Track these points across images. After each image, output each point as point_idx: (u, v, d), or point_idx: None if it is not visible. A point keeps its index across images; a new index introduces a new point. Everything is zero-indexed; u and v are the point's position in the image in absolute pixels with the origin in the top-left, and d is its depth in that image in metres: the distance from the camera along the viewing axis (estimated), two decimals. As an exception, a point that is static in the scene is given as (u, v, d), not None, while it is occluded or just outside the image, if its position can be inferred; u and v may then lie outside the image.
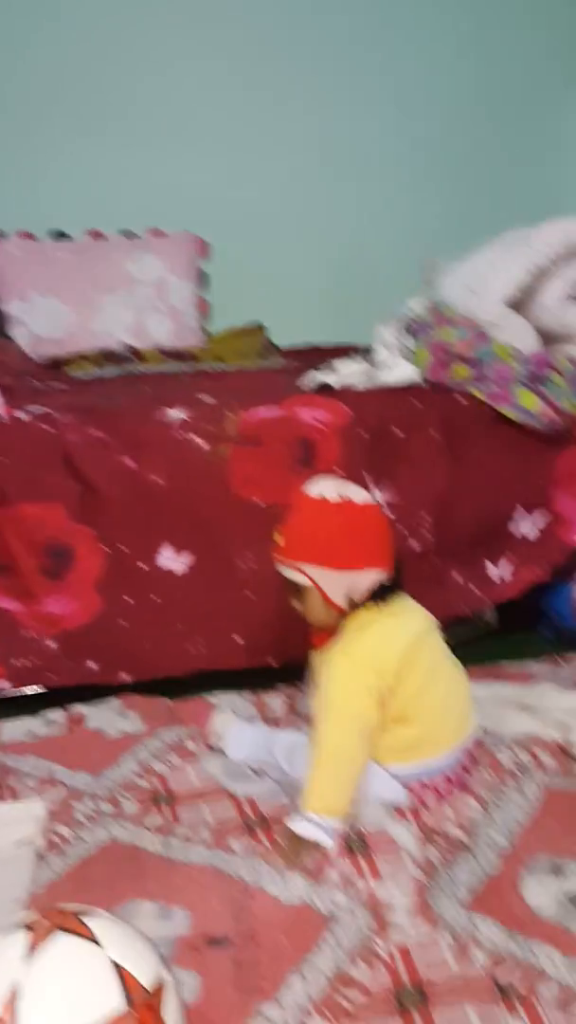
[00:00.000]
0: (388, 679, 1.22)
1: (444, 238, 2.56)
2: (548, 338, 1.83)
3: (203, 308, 2.78)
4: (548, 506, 1.83)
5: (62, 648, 1.64)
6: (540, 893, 1.09)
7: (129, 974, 0.74)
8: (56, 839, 1.24)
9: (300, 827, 1.17)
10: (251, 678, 1.72)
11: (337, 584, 1.24)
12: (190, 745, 1.49)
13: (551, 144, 3.05)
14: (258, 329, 2.78)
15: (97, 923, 0.78)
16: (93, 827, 1.26)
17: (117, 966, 0.74)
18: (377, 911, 1.07)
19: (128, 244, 2.67)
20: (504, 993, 0.94)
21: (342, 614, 1.27)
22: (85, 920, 0.78)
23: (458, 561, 1.81)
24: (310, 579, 1.24)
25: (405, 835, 1.20)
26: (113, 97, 2.71)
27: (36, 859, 1.18)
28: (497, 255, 1.85)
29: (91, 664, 1.66)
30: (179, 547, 1.67)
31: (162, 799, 1.33)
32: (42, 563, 1.62)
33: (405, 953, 0.99)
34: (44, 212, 2.68)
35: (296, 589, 1.28)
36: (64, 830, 1.25)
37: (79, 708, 1.64)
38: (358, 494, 1.28)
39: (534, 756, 1.40)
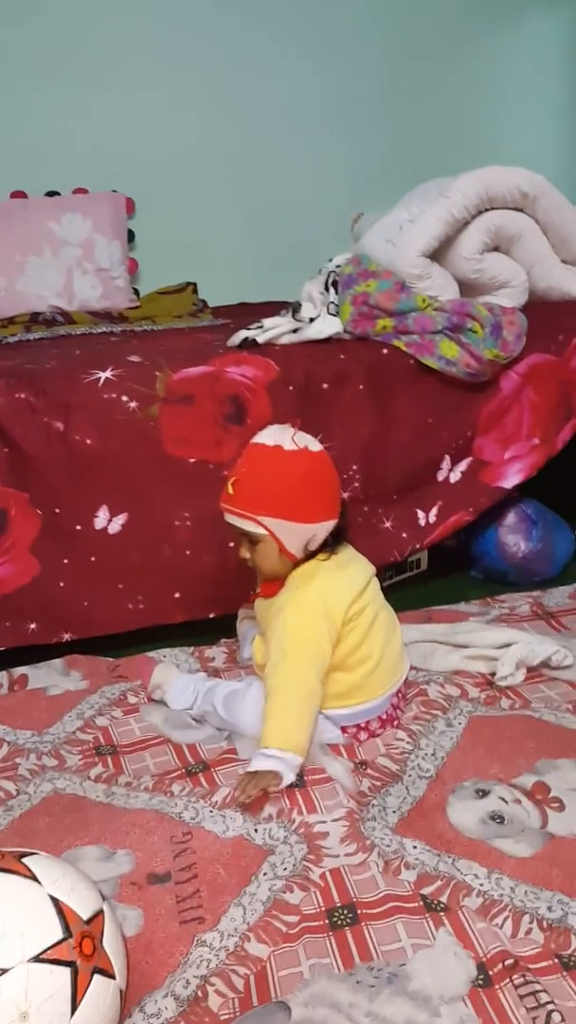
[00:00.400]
0: (337, 627, 1.26)
1: (372, 192, 2.58)
2: (466, 288, 1.87)
3: (132, 268, 2.76)
4: (472, 452, 1.88)
5: (1, 611, 1.66)
6: (464, 813, 1.16)
7: (67, 907, 0.79)
8: (0, 794, 1.27)
9: (261, 763, 1.20)
10: (191, 632, 1.76)
11: (297, 536, 1.25)
12: (132, 699, 1.52)
13: (476, 94, 3.06)
14: (189, 288, 2.77)
15: (36, 862, 0.82)
16: (37, 780, 1.29)
17: (55, 900, 0.78)
18: (312, 841, 1.13)
19: (52, 204, 2.63)
20: (431, 907, 1.01)
21: (295, 564, 1.29)
22: (24, 861, 0.82)
23: (388, 509, 1.86)
24: (268, 530, 1.24)
25: (339, 769, 1.26)
26: (35, 57, 2.63)
27: (-19, 815, 1.21)
28: (416, 206, 1.87)
29: (32, 625, 1.68)
30: (114, 507, 1.69)
31: (105, 751, 1.37)
32: (-25, 529, 1.62)
33: (337, 875, 1.06)
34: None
35: (249, 540, 1.27)
36: (8, 785, 1.29)
37: (21, 669, 1.66)
38: (313, 443, 1.28)
39: (461, 688, 1.47)
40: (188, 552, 1.74)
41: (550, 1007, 0.86)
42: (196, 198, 2.86)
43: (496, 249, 1.88)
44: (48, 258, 2.57)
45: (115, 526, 1.70)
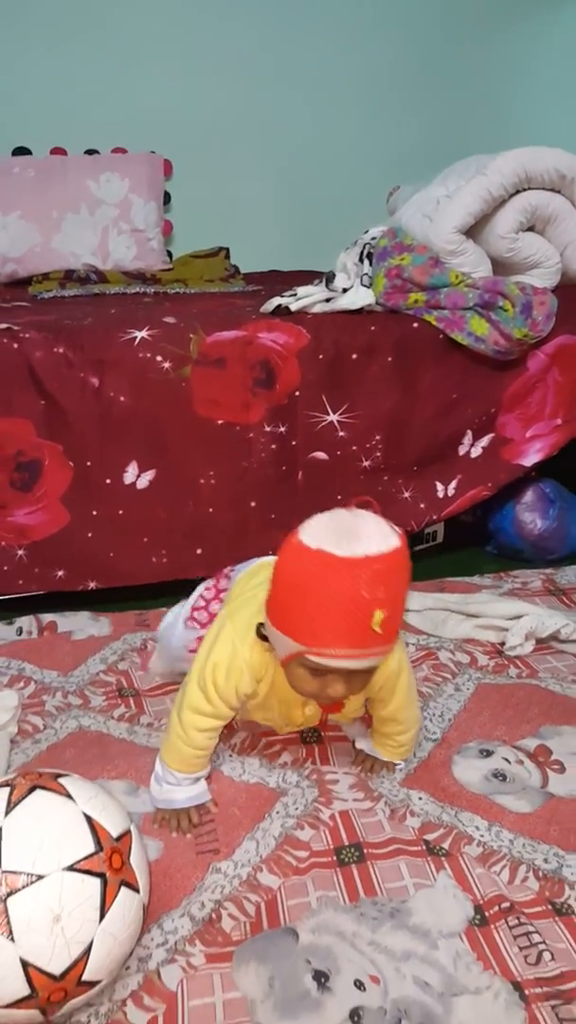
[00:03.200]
0: None
1: (409, 165, 2.59)
2: (499, 266, 1.89)
3: (167, 230, 2.78)
4: (495, 429, 1.92)
5: (31, 557, 1.72)
6: (468, 771, 1.22)
7: (99, 824, 0.85)
8: (28, 728, 1.33)
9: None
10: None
11: None
12: (153, 647, 1.58)
13: (516, 71, 3.04)
14: (221, 253, 2.79)
15: (71, 782, 0.88)
16: (63, 717, 1.36)
17: (88, 817, 0.85)
18: (323, 786, 1.19)
19: (91, 163, 2.65)
20: (433, 851, 1.07)
21: None
22: (60, 780, 0.88)
23: (408, 480, 1.91)
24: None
25: (354, 727, 1.31)
26: (80, 14, 2.63)
27: (10, 745, 1.28)
28: (453, 183, 1.89)
29: (60, 572, 1.74)
30: (143, 463, 1.74)
31: (127, 693, 1.44)
32: (11, 476, 1.68)
33: (346, 817, 1.12)
34: (7, 129, 2.64)
35: (360, 674, 0.99)
36: (36, 720, 1.35)
37: (50, 616, 1.72)
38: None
39: (471, 656, 1.53)
40: (211, 510, 1.79)
41: (541, 947, 0.92)
42: (233, 164, 2.88)
43: (531, 229, 1.90)
44: (85, 216, 2.60)
45: (143, 481, 1.75)
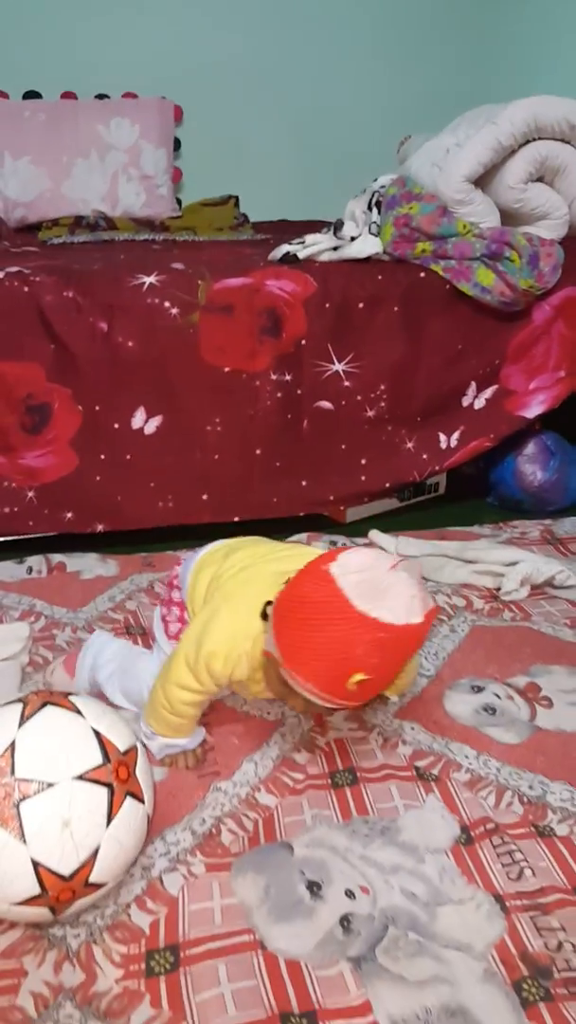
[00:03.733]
0: None
1: (421, 115, 2.57)
2: (507, 217, 1.89)
3: (176, 177, 2.77)
4: (499, 380, 1.94)
5: (41, 499, 1.76)
6: (460, 705, 1.27)
7: (107, 738, 0.90)
8: (39, 660, 1.39)
9: None
10: (216, 534, 1.85)
11: None
12: (159, 588, 1.63)
13: (530, 19, 2.98)
14: (231, 201, 2.78)
15: (80, 700, 0.93)
16: (71, 649, 1.41)
17: (96, 732, 0.90)
18: (319, 717, 1.24)
19: (101, 107, 2.64)
20: (422, 776, 1.12)
21: None
22: (70, 698, 0.93)
23: (412, 430, 1.93)
24: None
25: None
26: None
27: (22, 674, 1.34)
28: (463, 132, 1.88)
29: (68, 515, 1.78)
30: (151, 409, 1.77)
31: (135, 630, 1.49)
32: (21, 419, 1.71)
33: (340, 744, 1.17)
34: (17, 73, 2.62)
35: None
36: (46, 652, 1.41)
37: (59, 557, 1.77)
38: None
39: (467, 600, 1.57)
40: (217, 457, 1.83)
41: (523, 864, 0.98)
42: (244, 111, 2.85)
43: (540, 180, 1.90)
44: (95, 162, 2.59)
45: (151, 427, 1.78)
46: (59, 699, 0.92)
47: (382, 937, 0.88)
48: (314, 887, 0.94)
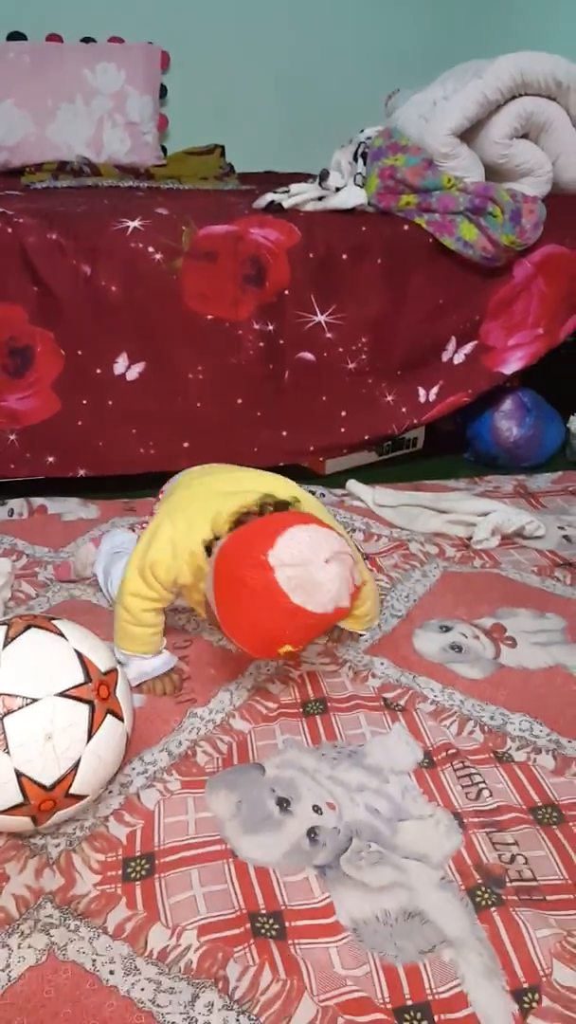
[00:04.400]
0: None
1: (409, 68, 2.55)
2: (491, 173, 1.90)
3: (162, 124, 2.74)
4: (479, 336, 1.97)
5: (22, 442, 1.78)
6: (427, 643, 1.32)
7: (88, 659, 0.94)
8: (21, 595, 1.42)
9: None
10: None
11: None
12: (140, 531, 1.66)
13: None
14: (217, 151, 2.76)
15: (63, 623, 0.97)
16: (54, 588, 1.45)
17: (78, 652, 0.93)
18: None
19: (87, 51, 2.59)
20: (389, 706, 1.17)
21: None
22: (53, 621, 0.97)
23: (391, 384, 1.96)
24: None
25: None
26: None
27: (4, 609, 1.37)
28: (451, 86, 1.88)
29: (50, 459, 1.80)
30: (133, 355, 1.78)
31: (114, 569, 1.52)
32: (3, 362, 1.72)
33: (312, 676, 1.22)
34: (1, 13, 2.56)
35: None
36: (28, 588, 1.44)
37: (40, 500, 1.79)
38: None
39: (439, 548, 1.62)
40: (199, 404, 1.85)
41: (481, 786, 1.04)
42: (231, 59, 2.81)
43: (525, 136, 1.91)
44: (80, 107, 2.55)
45: (133, 373, 1.80)
46: (43, 622, 0.96)
47: (346, 848, 0.94)
48: (283, 803, 1.00)
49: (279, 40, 2.84)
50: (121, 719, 0.95)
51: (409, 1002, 0.77)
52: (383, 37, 2.89)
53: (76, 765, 0.90)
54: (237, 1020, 0.76)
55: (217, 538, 1.06)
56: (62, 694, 0.90)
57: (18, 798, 0.88)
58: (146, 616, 1.16)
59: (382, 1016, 0.76)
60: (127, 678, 1.12)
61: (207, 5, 2.74)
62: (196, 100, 2.81)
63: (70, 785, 0.90)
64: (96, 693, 0.92)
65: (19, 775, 0.87)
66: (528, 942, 0.83)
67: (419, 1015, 0.76)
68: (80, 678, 0.92)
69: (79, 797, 0.92)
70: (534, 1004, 0.78)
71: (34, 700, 0.88)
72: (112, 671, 0.96)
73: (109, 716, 0.93)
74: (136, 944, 0.82)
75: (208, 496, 1.15)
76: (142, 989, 0.78)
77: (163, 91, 2.75)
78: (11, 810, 0.89)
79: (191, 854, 0.92)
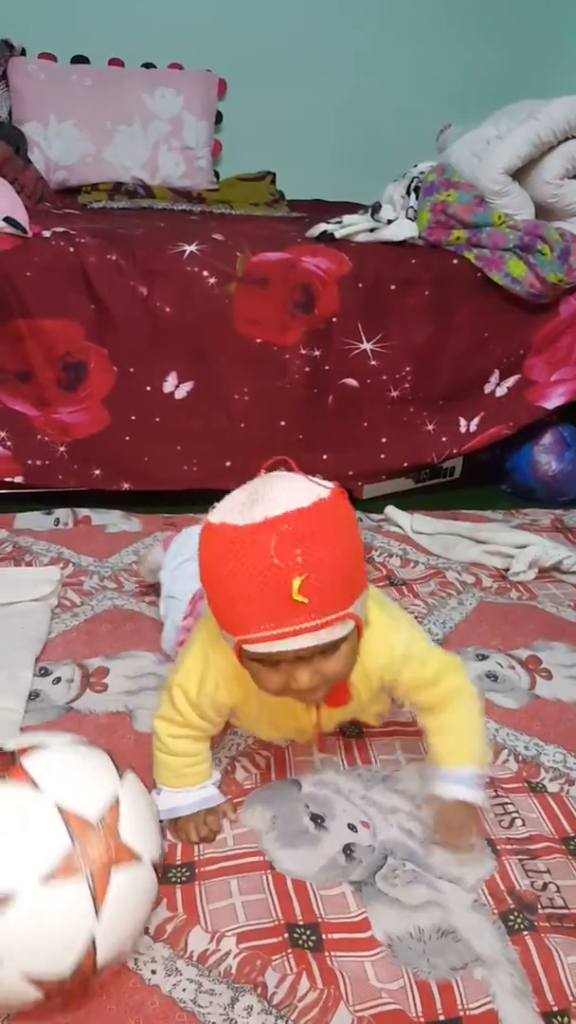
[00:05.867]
0: None
1: (462, 105, 2.60)
2: (542, 211, 1.94)
3: (216, 150, 2.82)
4: (522, 370, 1.99)
5: (71, 454, 1.83)
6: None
7: (72, 814, 0.74)
8: (67, 603, 1.46)
9: (469, 792, 0.97)
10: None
11: (364, 597, 0.85)
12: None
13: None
14: (268, 177, 2.83)
15: (38, 763, 0.77)
16: (99, 596, 1.49)
17: (60, 809, 0.74)
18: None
19: (147, 76, 2.68)
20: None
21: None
22: (25, 763, 0.77)
23: (433, 413, 1.99)
24: (356, 619, 0.82)
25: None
26: None
27: (51, 615, 1.41)
28: (504, 125, 1.93)
29: (96, 471, 1.85)
30: (183, 374, 1.83)
31: (158, 584, 1.55)
32: (58, 375, 1.78)
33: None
34: (66, 36, 2.66)
35: (323, 651, 0.81)
36: (74, 596, 1.48)
37: (85, 511, 1.84)
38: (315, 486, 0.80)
39: (476, 577, 1.64)
40: (243, 425, 1.89)
41: (515, 815, 1.05)
42: (287, 89, 2.89)
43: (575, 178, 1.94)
44: (137, 130, 2.63)
45: (181, 392, 1.85)
46: (12, 770, 0.77)
47: (381, 865, 0.96)
48: (318, 819, 1.02)
49: (334, 72, 2.91)
50: (138, 858, 0.77)
51: (441, 1017, 0.79)
52: (438, 73, 2.95)
53: (92, 944, 0.73)
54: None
55: None
56: (44, 880, 0.71)
57: (35, 994, 0.72)
58: (177, 744, 0.96)
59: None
60: (159, 805, 0.95)
61: (265, 35, 2.82)
62: (250, 127, 2.88)
63: (93, 963, 0.73)
64: (86, 856, 0.73)
65: (27, 977, 0.71)
66: (559, 967, 0.84)
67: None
68: (65, 844, 0.72)
69: (112, 960, 0.76)
70: (564, 1030, 0.79)
71: (8, 898, 0.70)
72: (111, 806, 0.77)
73: (117, 873, 0.74)
74: (177, 946, 0.85)
75: None
76: (183, 990, 0.81)
77: (219, 117, 2.83)
78: (37, 1006, 0.74)
79: (230, 864, 0.95)
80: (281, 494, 0.76)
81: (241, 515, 0.76)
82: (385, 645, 0.91)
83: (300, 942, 0.86)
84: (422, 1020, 0.79)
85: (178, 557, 1.31)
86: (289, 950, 0.85)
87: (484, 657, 1.37)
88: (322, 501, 0.76)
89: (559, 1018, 0.80)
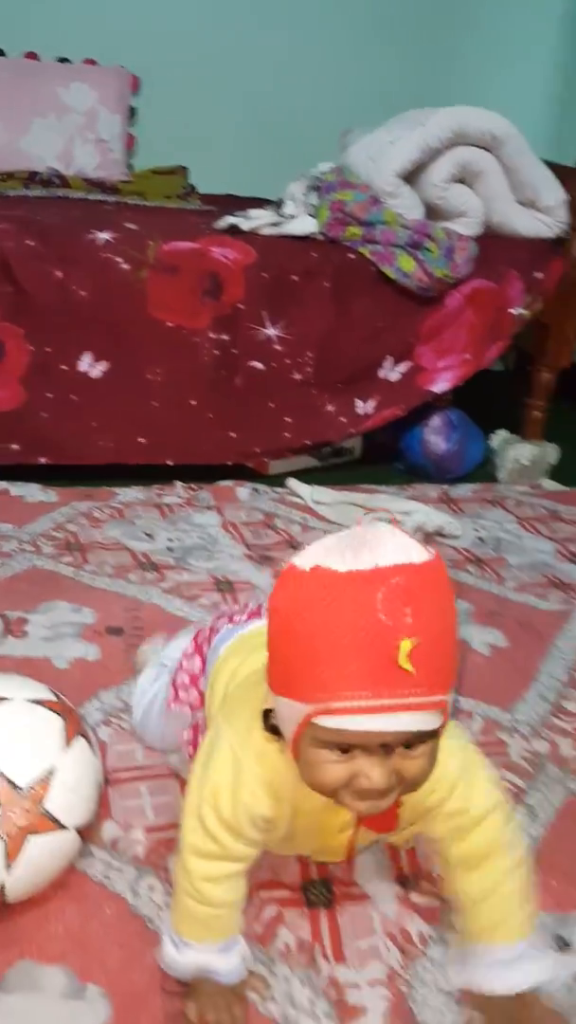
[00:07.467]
0: None
1: (364, 110, 2.77)
2: (430, 211, 2.12)
3: (129, 143, 2.91)
4: (412, 357, 2.18)
5: (-11, 429, 1.92)
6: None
7: (3, 777, 0.81)
8: (-14, 566, 1.56)
9: (538, 973, 0.79)
10: (152, 474, 2.04)
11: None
12: (97, 515, 1.81)
13: (474, 33, 3.22)
14: (180, 171, 2.94)
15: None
16: (18, 558, 1.59)
17: None
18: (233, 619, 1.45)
19: (62, 70, 2.75)
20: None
21: None
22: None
23: (333, 396, 2.15)
24: (445, 708, 0.67)
25: (262, 579, 1.58)
26: None
27: (-29, 576, 1.50)
28: (398, 131, 2.10)
29: (15, 446, 1.94)
30: (98, 355, 1.94)
31: (74, 547, 1.67)
32: (-24, 353, 1.86)
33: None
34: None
35: (406, 745, 0.66)
36: (-7, 560, 1.58)
37: (2, 484, 1.92)
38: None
39: (368, 541, 1.81)
40: (156, 404, 2.01)
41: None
42: (199, 87, 3.00)
43: (461, 181, 2.13)
44: (52, 122, 2.71)
45: (96, 371, 1.96)
46: None
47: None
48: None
49: (244, 73, 3.04)
50: (62, 827, 0.84)
51: (315, 878, 0.94)
52: (342, 79, 3.11)
53: (2, 889, 0.82)
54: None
55: (271, 710, 0.72)
56: None
57: None
58: (212, 891, 0.77)
59: (288, 893, 0.92)
60: (174, 971, 0.81)
61: (179, 35, 2.93)
62: (163, 123, 2.99)
63: (3, 899, 0.84)
64: (6, 820, 0.80)
65: None
66: None
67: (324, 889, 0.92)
68: None
69: (21, 899, 0.86)
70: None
71: None
72: (45, 779, 0.84)
73: (34, 839, 0.82)
74: (91, 836, 0.97)
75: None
76: (95, 869, 0.93)
77: (132, 112, 2.93)
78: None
79: (140, 774, 1.08)
80: (389, 544, 0.64)
81: (343, 560, 0.63)
82: (440, 755, 0.70)
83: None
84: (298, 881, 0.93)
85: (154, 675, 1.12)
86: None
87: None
88: (434, 561, 0.65)
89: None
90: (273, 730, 0.72)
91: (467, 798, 0.77)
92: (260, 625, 0.79)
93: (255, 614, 1.00)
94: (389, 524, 0.68)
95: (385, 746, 0.64)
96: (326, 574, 0.63)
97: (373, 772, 0.65)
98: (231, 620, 1.02)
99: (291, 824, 0.77)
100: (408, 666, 0.60)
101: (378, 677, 0.61)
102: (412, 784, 0.68)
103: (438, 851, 0.81)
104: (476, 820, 0.77)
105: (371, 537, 0.65)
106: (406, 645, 0.60)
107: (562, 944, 0.90)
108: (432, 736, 0.66)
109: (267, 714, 0.73)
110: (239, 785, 0.74)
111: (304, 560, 0.65)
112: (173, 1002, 0.81)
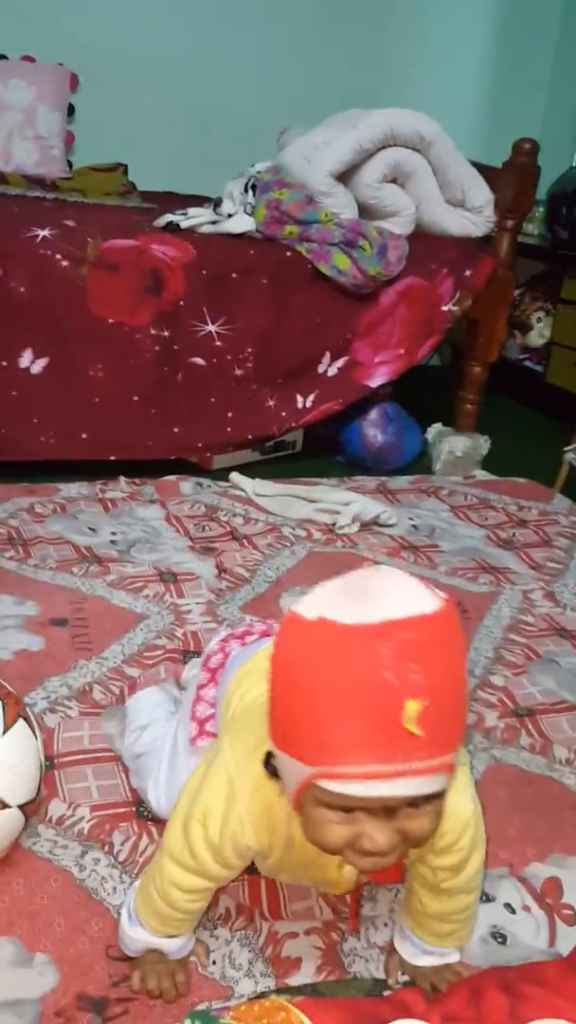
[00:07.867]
0: None
1: (300, 110, 2.82)
2: (364, 211, 2.19)
3: (69, 140, 2.92)
4: (349, 352, 2.24)
5: None
6: (290, 602, 1.55)
7: None
8: None
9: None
10: (96, 470, 2.06)
11: None
12: (40, 509, 1.83)
13: (406, 35, 3.30)
14: (120, 168, 2.96)
15: None
16: (-40, 554, 1.61)
17: None
18: (178, 613, 1.49)
19: (0, 67, 2.74)
20: (257, 655, 1.39)
21: None
22: None
23: (273, 390, 2.20)
24: (451, 769, 0.64)
25: (205, 570, 1.63)
26: None
27: None
28: (331, 132, 2.16)
29: (-45, 443, 1.95)
30: (38, 351, 1.96)
31: (16, 542, 1.69)
32: None
33: (195, 635, 1.43)
34: None
35: (414, 804, 0.63)
36: None
37: (-58, 480, 1.93)
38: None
39: (308, 532, 1.87)
40: (97, 400, 2.03)
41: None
42: (138, 85, 3.02)
43: (393, 181, 2.20)
44: (-11, 117, 2.70)
45: (37, 367, 1.97)
46: None
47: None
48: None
49: (183, 72, 3.08)
50: (5, 806, 0.88)
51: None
52: (279, 79, 3.17)
53: None
54: (121, 878, 0.95)
55: (272, 754, 0.69)
56: None
57: None
58: (177, 897, 0.78)
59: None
60: (124, 939, 0.84)
61: (117, 33, 2.95)
62: (102, 120, 3.00)
63: None
64: None
65: None
66: None
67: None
68: None
69: None
70: None
71: None
72: None
73: None
74: (38, 814, 1.01)
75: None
76: (42, 846, 0.97)
77: (71, 109, 2.93)
78: None
79: (85, 757, 1.12)
80: (397, 592, 0.60)
81: (347, 611, 0.59)
82: (455, 804, 0.72)
83: (144, 815, 1.03)
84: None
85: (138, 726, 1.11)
86: (134, 820, 1.02)
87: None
88: (446, 610, 0.60)
89: None
90: (274, 772, 0.70)
91: (474, 842, 0.77)
92: (270, 645, 0.70)
93: (266, 633, 1.01)
94: (395, 569, 0.64)
95: (389, 807, 0.62)
96: (329, 627, 0.59)
97: (377, 835, 0.63)
98: (243, 641, 1.02)
99: (286, 854, 0.76)
100: (415, 729, 0.57)
101: (383, 741, 0.58)
102: (416, 842, 0.66)
103: (407, 867, 0.81)
104: (465, 860, 0.77)
105: (376, 585, 0.61)
106: (413, 707, 0.57)
107: (486, 899, 0.97)
108: (438, 796, 0.64)
109: (269, 756, 0.70)
110: (230, 814, 0.74)
111: (308, 609, 0.62)
112: (118, 967, 0.85)
